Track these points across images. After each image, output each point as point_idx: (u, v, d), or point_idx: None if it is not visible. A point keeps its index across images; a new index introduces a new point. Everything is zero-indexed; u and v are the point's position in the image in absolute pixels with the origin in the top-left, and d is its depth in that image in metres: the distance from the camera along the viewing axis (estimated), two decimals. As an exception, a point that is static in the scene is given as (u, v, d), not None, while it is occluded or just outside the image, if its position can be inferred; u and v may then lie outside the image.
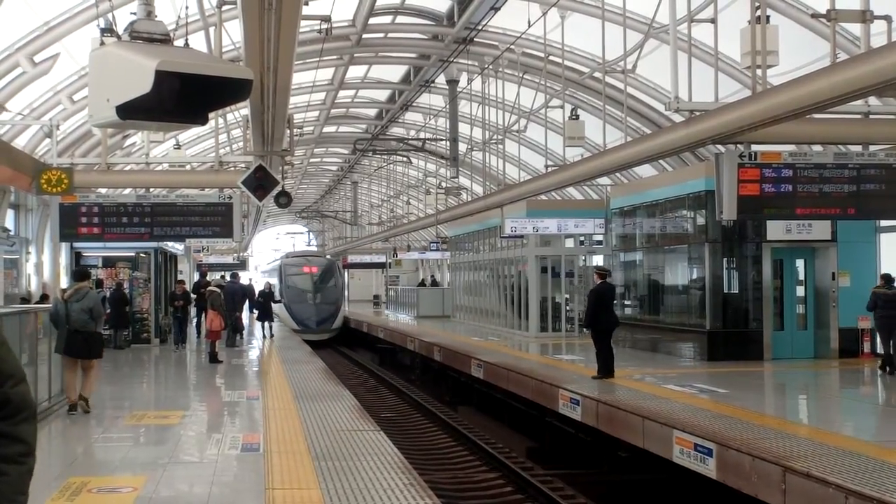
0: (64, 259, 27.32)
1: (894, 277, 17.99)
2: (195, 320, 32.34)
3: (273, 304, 33.87)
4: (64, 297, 14.26)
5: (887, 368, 17.59)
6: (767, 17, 13.70)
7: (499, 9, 22.06)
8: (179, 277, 28.61)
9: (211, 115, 9.12)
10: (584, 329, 17.95)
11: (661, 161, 24.86)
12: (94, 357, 14.36)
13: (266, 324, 32.02)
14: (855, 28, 15.26)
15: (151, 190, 20.84)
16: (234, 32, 15.04)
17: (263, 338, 30.66)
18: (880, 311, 17.92)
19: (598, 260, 28.82)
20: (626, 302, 24.40)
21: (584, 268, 29.14)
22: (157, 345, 26.88)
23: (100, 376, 15.44)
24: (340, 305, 46.00)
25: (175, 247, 31.84)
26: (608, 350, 17.18)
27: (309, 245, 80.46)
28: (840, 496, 8.70)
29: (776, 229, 19.96)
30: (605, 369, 17.05)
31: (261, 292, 33.96)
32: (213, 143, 21.56)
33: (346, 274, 58.78)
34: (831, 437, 11.29)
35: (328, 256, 55.24)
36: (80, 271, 15.91)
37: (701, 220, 20.81)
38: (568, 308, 29.20)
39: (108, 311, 24.97)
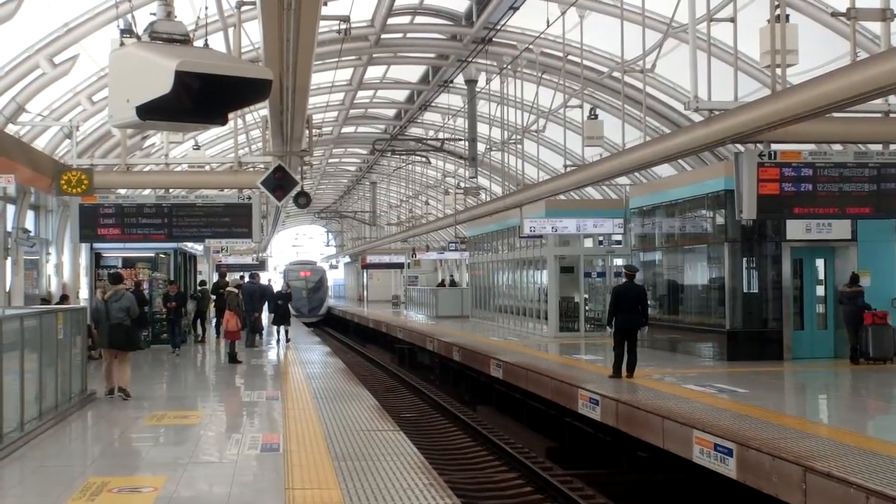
0: (84, 260, 27.41)
1: (859, 276, 19.67)
2: (214, 321, 32.42)
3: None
4: (104, 298, 16.19)
5: (860, 360, 19.16)
6: (787, 16, 13.67)
7: (517, 8, 22.05)
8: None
9: (230, 115, 9.12)
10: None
11: (680, 161, 24.82)
12: (132, 348, 16.61)
13: (282, 328, 29.67)
14: (875, 27, 15.19)
15: (171, 191, 20.89)
16: (253, 33, 15.08)
17: (278, 342, 29.06)
18: (845, 306, 19.49)
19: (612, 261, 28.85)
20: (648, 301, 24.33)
21: (604, 267, 29.15)
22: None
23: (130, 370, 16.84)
24: (325, 298, 65.10)
25: (194, 247, 31.88)
26: (620, 350, 17.14)
27: (327, 245, 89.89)
28: (861, 496, 8.66)
29: (796, 229, 19.90)
30: (613, 368, 17.08)
31: (278, 293, 30.77)
32: (232, 144, 21.58)
33: (364, 274, 71.61)
34: (852, 437, 11.24)
35: (318, 265, 70.74)
36: (115, 275, 17.82)
37: (720, 220, 20.74)
38: (587, 308, 29.16)
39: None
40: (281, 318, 29.65)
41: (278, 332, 29.91)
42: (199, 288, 31.02)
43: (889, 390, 17.13)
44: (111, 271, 22.55)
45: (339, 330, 59.40)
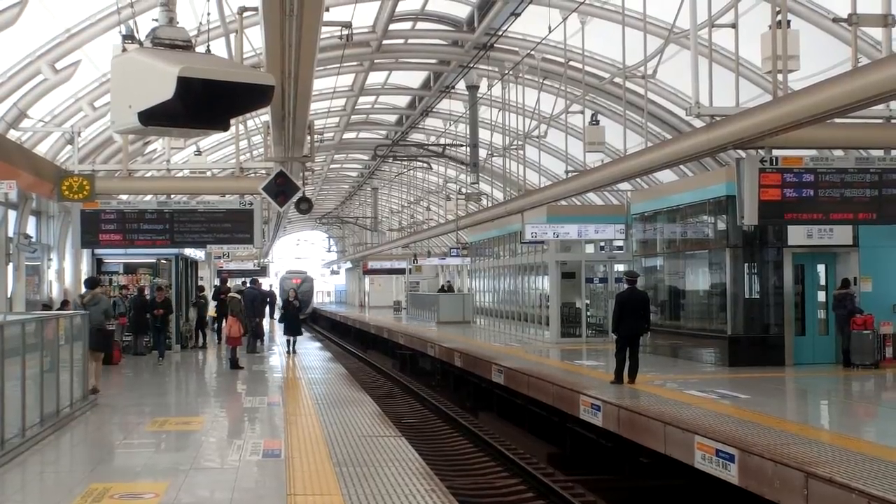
0: (85, 265, 27.40)
1: (849, 280, 19.91)
2: (216, 326, 32.40)
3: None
4: (83, 302, 17.25)
5: (853, 365, 19.14)
6: (788, 22, 13.67)
7: (519, 14, 22.05)
8: (159, 283, 26.26)
9: (232, 121, 9.12)
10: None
11: (681, 166, 24.81)
12: (109, 350, 18.08)
13: (291, 338, 27.61)
14: (876, 32, 15.19)
15: (172, 196, 20.89)
16: (255, 39, 15.08)
17: (288, 353, 26.89)
18: (835, 310, 19.86)
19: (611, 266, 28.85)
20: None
21: (606, 272, 29.16)
22: (178, 351, 26.90)
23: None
24: (311, 301, 75.41)
25: (196, 253, 31.87)
26: (622, 356, 17.12)
27: (329, 251, 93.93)
28: (863, 502, 8.65)
29: (797, 234, 19.89)
30: (615, 374, 17.06)
31: (286, 300, 29.15)
32: (233, 150, 21.61)
33: (366, 280, 73.82)
34: (854, 443, 11.23)
35: (308, 275, 78.96)
36: (91, 280, 19.15)
37: (722, 226, 20.74)
38: (589, 314, 29.15)
39: (130, 313, 25.09)
40: (292, 329, 27.87)
41: (288, 342, 27.61)
42: (198, 294, 30.98)
43: (889, 395, 17.12)
44: (87, 277, 23.19)
45: (338, 335, 59.76)
